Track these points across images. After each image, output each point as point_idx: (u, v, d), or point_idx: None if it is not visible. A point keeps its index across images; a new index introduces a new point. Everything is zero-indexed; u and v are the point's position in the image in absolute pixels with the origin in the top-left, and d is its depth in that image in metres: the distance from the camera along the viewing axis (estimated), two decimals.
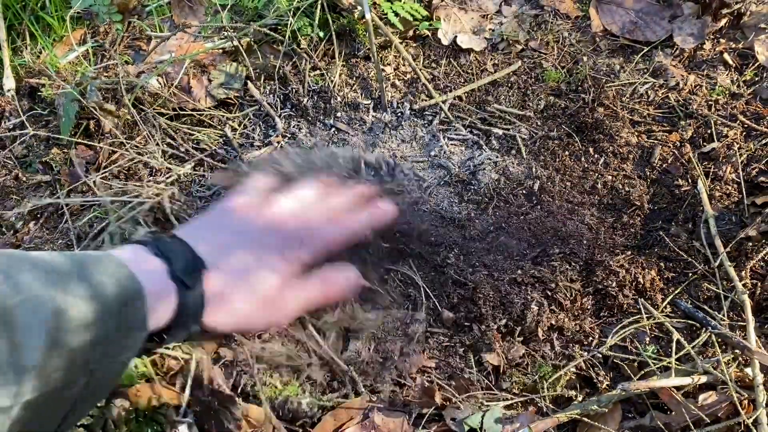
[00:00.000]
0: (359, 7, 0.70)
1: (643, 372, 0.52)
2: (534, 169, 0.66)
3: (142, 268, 0.42)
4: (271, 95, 0.73)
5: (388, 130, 0.70)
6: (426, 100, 0.71)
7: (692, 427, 0.48)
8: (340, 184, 0.58)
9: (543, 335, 0.55)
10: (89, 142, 0.69)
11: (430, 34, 0.76)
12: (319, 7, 0.70)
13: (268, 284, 0.49)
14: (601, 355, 0.54)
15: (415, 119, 0.71)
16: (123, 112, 0.69)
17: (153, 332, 0.43)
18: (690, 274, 0.57)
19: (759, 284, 0.56)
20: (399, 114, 0.72)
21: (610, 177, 0.64)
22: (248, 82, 0.73)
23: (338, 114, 0.71)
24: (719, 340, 0.52)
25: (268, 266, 0.49)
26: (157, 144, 0.68)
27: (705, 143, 0.64)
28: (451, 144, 0.69)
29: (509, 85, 0.72)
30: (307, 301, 0.52)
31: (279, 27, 0.74)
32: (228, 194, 0.56)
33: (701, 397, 0.51)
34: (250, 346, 0.54)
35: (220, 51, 0.74)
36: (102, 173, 0.67)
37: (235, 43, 0.72)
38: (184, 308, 0.44)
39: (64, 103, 0.69)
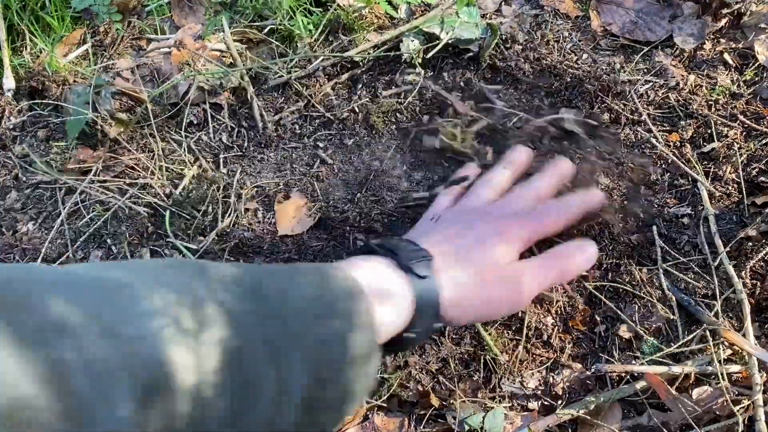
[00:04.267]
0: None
1: (640, 363, 0.52)
2: None
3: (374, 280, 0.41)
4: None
5: None
6: None
7: (690, 426, 0.49)
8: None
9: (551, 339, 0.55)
10: (91, 145, 0.69)
11: None
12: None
13: (500, 263, 0.47)
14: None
15: None
16: (131, 121, 0.69)
17: (393, 338, 0.41)
18: (689, 273, 0.58)
19: (759, 284, 0.56)
20: None
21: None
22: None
23: None
24: (714, 336, 0.53)
25: (492, 248, 0.48)
26: (159, 153, 0.68)
27: (705, 143, 0.64)
28: None
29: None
30: (545, 280, 0.50)
31: (275, 28, 0.74)
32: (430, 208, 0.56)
33: (695, 392, 0.51)
34: None
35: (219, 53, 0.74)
36: (102, 175, 0.67)
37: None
38: (420, 300, 0.42)
39: (77, 103, 0.68)
